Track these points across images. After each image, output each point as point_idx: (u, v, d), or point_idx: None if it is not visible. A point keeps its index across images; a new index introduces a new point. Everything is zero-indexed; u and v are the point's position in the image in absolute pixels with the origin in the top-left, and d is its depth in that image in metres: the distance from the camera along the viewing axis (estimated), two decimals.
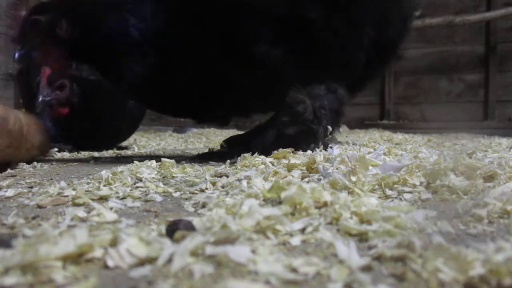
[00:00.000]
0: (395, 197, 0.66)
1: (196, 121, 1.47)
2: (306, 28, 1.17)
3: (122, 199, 0.66)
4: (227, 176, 0.81)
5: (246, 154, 1.02)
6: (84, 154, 1.67)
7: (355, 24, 1.22)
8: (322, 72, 1.23)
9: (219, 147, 1.51)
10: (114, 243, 0.38)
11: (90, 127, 1.75)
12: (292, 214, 0.51)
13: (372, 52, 1.27)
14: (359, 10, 1.22)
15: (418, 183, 0.71)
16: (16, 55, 1.31)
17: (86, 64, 1.42)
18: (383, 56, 1.36)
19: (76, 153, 1.67)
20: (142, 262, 0.36)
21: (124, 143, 2.11)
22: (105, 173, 0.80)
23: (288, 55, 1.20)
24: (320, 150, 1.02)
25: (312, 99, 1.18)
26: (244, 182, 0.72)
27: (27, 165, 1.14)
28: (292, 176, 0.79)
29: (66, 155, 1.61)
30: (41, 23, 1.22)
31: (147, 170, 0.90)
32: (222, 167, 0.91)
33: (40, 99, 1.49)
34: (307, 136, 1.16)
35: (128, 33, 1.19)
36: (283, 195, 0.54)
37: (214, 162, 1.19)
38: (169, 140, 2.67)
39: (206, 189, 0.74)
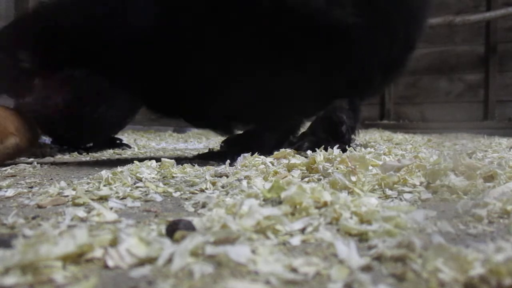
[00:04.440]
0: (395, 197, 0.66)
1: (195, 125, 1.44)
2: (335, 33, 1.13)
3: (122, 199, 0.66)
4: (227, 176, 0.81)
5: (246, 154, 1.02)
6: (84, 154, 1.67)
7: (390, 29, 1.18)
8: (347, 82, 1.21)
9: (219, 147, 1.51)
10: (114, 243, 0.38)
11: (77, 125, 1.71)
12: (292, 214, 0.51)
13: (396, 55, 1.24)
14: (396, 14, 1.17)
15: (418, 183, 0.71)
16: None
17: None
18: (403, 59, 1.33)
19: (76, 153, 1.67)
20: (142, 262, 0.36)
21: (124, 142, 2.10)
22: (105, 173, 0.80)
23: (311, 64, 1.17)
24: (320, 151, 1.02)
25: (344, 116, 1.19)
26: (244, 182, 0.72)
27: (27, 165, 1.14)
28: (292, 176, 0.79)
29: (66, 155, 1.61)
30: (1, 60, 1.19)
31: (147, 170, 0.90)
32: (222, 167, 0.91)
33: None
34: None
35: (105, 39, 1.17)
36: (283, 195, 0.54)
37: (214, 162, 1.19)
38: (169, 140, 2.67)
39: (206, 189, 0.74)
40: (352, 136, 1.25)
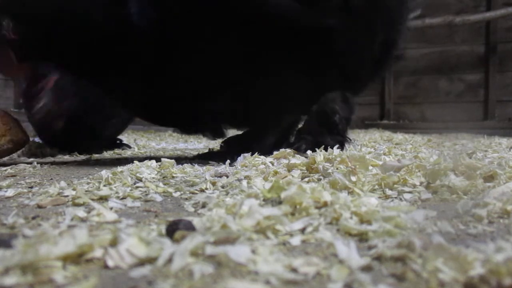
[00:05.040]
0: (395, 197, 0.66)
1: (185, 131, 1.43)
2: (324, 36, 1.16)
3: (122, 199, 0.66)
4: (227, 176, 0.81)
5: (246, 154, 1.02)
6: (84, 154, 1.66)
7: (372, 31, 1.22)
8: (336, 80, 1.23)
9: (219, 147, 1.51)
10: (114, 243, 0.38)
11: (79, 132, 1.70)
12: (292, 214, 0.51)
13: (378, 54, 1.28)
14: (376, 16, 1.22)
15: (418, 183, 0.71)
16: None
17: (44, 61, 1.37)
18: (386, 57, 1.36)
19: (76, 153, 1.67)
20: (142, 262, 0.36)
21: (124, 142, 2.09)
22: (105, 173, 0.80)
23: (301, 64, 1.19)
24: (320, 151, 1.02)
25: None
26: (244, 182, 0.72)
27: (27, 165, 1.14)
28: (292, 176, 0.79)
29: (66, 155, 1.61)
30: None
31: (147, 170, 0.90)
32: (222, 167, 0.91)
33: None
34: (342, 147, 1.13)
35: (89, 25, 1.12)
36: (283, 195, 0.54)
37: (214, 162, 1.19)
38: (169, 140, 2.67)
39: (206, 189, 0.74)
40: (348, 138, 1.25)
